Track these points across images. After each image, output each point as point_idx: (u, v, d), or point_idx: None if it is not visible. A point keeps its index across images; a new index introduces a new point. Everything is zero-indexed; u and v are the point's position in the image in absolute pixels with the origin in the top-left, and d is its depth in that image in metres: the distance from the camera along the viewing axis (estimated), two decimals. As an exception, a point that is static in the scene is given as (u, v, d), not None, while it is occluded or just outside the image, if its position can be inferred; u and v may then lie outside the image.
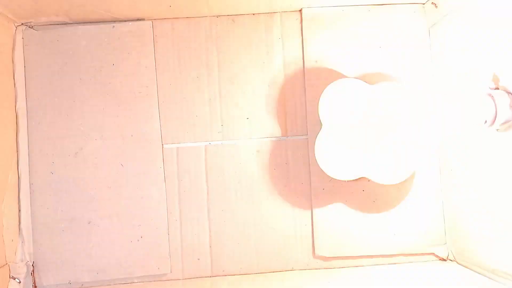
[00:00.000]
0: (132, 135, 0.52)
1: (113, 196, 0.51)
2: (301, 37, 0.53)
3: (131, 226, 0.51)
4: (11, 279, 0.49)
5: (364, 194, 0.52)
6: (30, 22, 0.52)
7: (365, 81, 0.48)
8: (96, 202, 0.51)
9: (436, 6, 0.50)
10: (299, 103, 0.52)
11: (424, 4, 0.52)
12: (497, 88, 0.38)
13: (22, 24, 0.52)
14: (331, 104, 0.46)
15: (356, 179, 0.47)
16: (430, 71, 0.52)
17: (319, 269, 0.51)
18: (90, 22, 0.52)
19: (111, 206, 0.51)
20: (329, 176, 0.47)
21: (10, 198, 0.50)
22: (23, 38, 0.52)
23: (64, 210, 0.51)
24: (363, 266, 0.51)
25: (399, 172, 0.47)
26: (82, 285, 0.50)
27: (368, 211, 0.51)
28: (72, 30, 0.52)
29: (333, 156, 0.49)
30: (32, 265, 0.50)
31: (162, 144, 0.52)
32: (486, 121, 0.38)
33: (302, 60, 0.53)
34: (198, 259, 0.51)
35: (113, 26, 0.52)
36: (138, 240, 0.51)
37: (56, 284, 0.50)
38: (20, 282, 0.50)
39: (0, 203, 0.48)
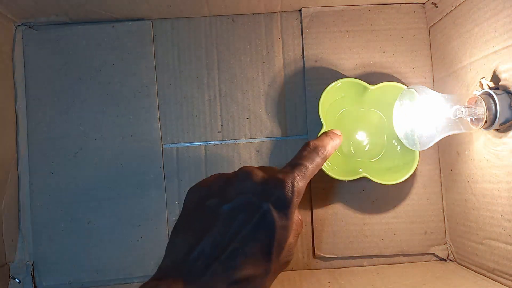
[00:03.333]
0: (132, 135, 0.52)
1: (113, 196, 0.51)
2: (301, 37, 0.53)
3: (131, 226, 0.51)
4: (11, 279, 0.49)
5: (364, 194, 0.52)
6: (30, 22, 0.52)
7: (365, 81, 0.48)
8: (96, 202, 0.51)
9: (436, 6, 0.50)
10: (299, 103, 0.52)
11: (424, 4, 0.52)
12: (497, 88, 0.38)
13: (22, 24, 0.52)
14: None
15: (356, 179, 0.47)
16: (430, 71, 0.52)
17: (319, 269, 0.51)
18: (90, 22, 0.52)
19: (111, 206, 0.51)
20: (329, 176, 0.47)
21: (10, 198, 0.50)
22: (23, 38, 0.52)
23: (64, 210, 0.51)
24: (363, 266, 0.51)
25: (399, 172, 0.47)
26: (82, 285, 0.51)
27: (368, 211, 0.51)
28: (72, 30, 0.52)
29: (334, 155, 0.49)
30: (32, 265, 0.50)
31: (162, 144, 0.52)
32: (486, 121, 0.38)
33: (302, 60, 0.53)
34: (198, 259, 0.51)
35: (113, 26, 0.52)
36: (138, 240, 0.51)
37: (56, 284, 0.50)
38: (20, 282, 0.50)
39: (0, 203, 0.48)
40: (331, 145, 0.39)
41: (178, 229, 0.34)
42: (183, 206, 0.36)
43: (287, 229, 0.33)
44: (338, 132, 0.43)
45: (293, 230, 0.35)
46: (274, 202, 0.32)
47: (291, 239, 0.34)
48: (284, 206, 0.33)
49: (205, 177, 0.51)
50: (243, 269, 0.30)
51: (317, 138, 0.40)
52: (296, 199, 0.33)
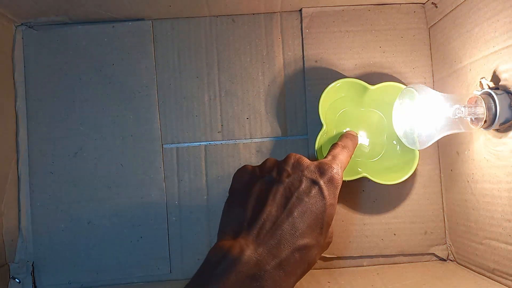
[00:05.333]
0: (132, 135, 0.52)
1: (113, 196, 0.51)
2: (301, 37, 0.53)
3: (131, 226, 0.51)
4: (11, 279, 0.49)
5: (364, 194, 0.52)
6: (30, 22, 0.52)
7: (365, 81, 0.48)
8: (96, 202, 0.51)
9: (436, 6, 0.50)
10: (299, 103, 0.52)
11: (424, 4, 0.52)
12: (497, 88, 0.38)
13: (22, 24, 0.52)
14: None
15: (356, 179, 0.47)
16: (430, 71, 0.52)
17: (319, 269, 0.51)
18: (90, 22, 0.52)
19: (111, 206, 0.51)
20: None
21: (10, 198, 0.50)
22: (23, 38, 0.52)
23: (64, 210, 0.51)
24: (363, 266, 0.51)
25: (399, 172, 0.47)
26: (82, 285, 0.51)
27: (368, 211, 0.51)
28: (72, 30, 0.52)
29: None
30: (32, 265, 0.50)
31: (162, 144, 0.52)
32: (486, 121, 0.38)
33: (302, 60, 0.53)
34: (198, 259, 0.51)
35: (113, 26, 0.52)
36: (138, 240, 0.51)
37: (56, 284, 0.50)
38: (20, 282, 0.50)
39: (0, 203, 0.48)
40: (352, 145, 0.44)
41: (234, 201, 0.38)
42: (233, 183, 0.40)
43: (334, 207, 0.37)
44: (354, 133, 0.47)
45: None
46: (326, 181, 0.37)
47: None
48: (334, 186, 0.37)
49: (205, 178, 0.52)
50: (304, 237, 0.34)
51: (339, 139, 0.45)
52: (341, 183, 0.38)
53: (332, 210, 0.37)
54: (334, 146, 0.43)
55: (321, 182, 0.37)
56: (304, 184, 0.36)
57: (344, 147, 0.43)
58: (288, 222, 0.34)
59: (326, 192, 0.36)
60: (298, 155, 0.39)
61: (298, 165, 0.38)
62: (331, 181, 0.37)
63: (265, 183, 0.37)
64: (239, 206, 0.37)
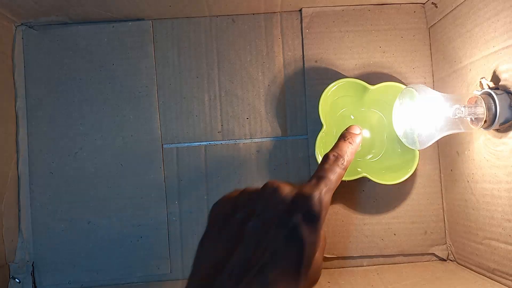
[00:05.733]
0: (132, 135, 0.52)
1: (113, 196, 0.51)
2: (301, 37, 0.53)
3: (131, 226, 0.51)
4: (11, 279, 0.49)
5: (364, 194, 0.52)
6: (30, 22, 0.52)
7: (365, 81, 0.48)
8: (96, 202, 0.51)
9: (436, 6, 0.50)
10: (299, 103, 0.52)
11: (424, 4, 0.52)
12: (497, 88, 0.38)
13: (22, 24, 0.52)
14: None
15: (356, 179, 0.47)
16: (430, 71, 0.52)
17: (319, 269, 0.51)
18: (90, 22, 0.52)
19: (111, 206, 0.51)
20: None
21: (10, 198, 0.50)
22: (23, 38, 0.52)
23: (64, 210, 0.51)
24: (363, 266, 0.51)
25: (399, 172, 0.47)
26: (82, 285, 0.51)
27: (368, 211, 0.51)
28: (72, 30, 0.52)
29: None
30: (32, 265, 0.50)
31: (162, 144, 0.52)
32: (486, 121, 0.38)
33: (302, 60, 0.53)
34: (198, 259, 0.51)
35: (113, 26, 0.52)
36: (138, 240, 0.51)
37: (56, 284, 0.50)
38: (20, 282, 0.50)
39: (0, 203, 0.48)
40: (350, 151, 0.38)
41: (205, 244, 0.34)
42: (209, 220, 0.35)
43: (315, 244, 0.32)
44: (357, 130, 0.40)
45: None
46: (303, 217, 0.31)
47: (317, 254, 0.33)
48: (313, 221, 0.32)
49: (205, 178, 0.52)
50: (275, 287, 0.29)
51: (335, 145, 0.38)
52: (324, 213, 0.33)
53: (312, 249, 0.31)
54: (325, 159, 0.37)
55: (297, 220, 0.31)
56: (277, 224, 0.31)
57: (337, 158, 0.36)
58: (255, 271, 0.29)
59: (303, 232, 0.31)
60: (276, 184, 0.34)
61: (273, 197, 0.33)
62: (309, 215, 0.32)
63: (237, 223, 0.33)
64: (211, 245, 0.33)
